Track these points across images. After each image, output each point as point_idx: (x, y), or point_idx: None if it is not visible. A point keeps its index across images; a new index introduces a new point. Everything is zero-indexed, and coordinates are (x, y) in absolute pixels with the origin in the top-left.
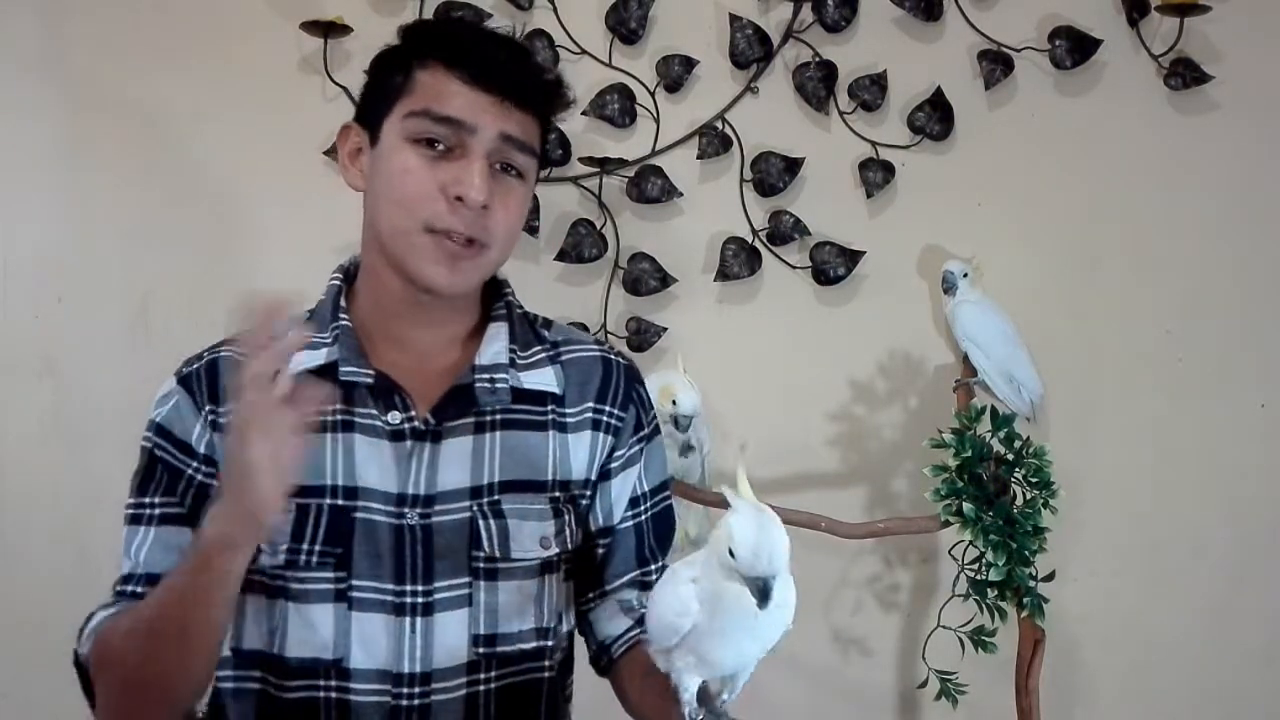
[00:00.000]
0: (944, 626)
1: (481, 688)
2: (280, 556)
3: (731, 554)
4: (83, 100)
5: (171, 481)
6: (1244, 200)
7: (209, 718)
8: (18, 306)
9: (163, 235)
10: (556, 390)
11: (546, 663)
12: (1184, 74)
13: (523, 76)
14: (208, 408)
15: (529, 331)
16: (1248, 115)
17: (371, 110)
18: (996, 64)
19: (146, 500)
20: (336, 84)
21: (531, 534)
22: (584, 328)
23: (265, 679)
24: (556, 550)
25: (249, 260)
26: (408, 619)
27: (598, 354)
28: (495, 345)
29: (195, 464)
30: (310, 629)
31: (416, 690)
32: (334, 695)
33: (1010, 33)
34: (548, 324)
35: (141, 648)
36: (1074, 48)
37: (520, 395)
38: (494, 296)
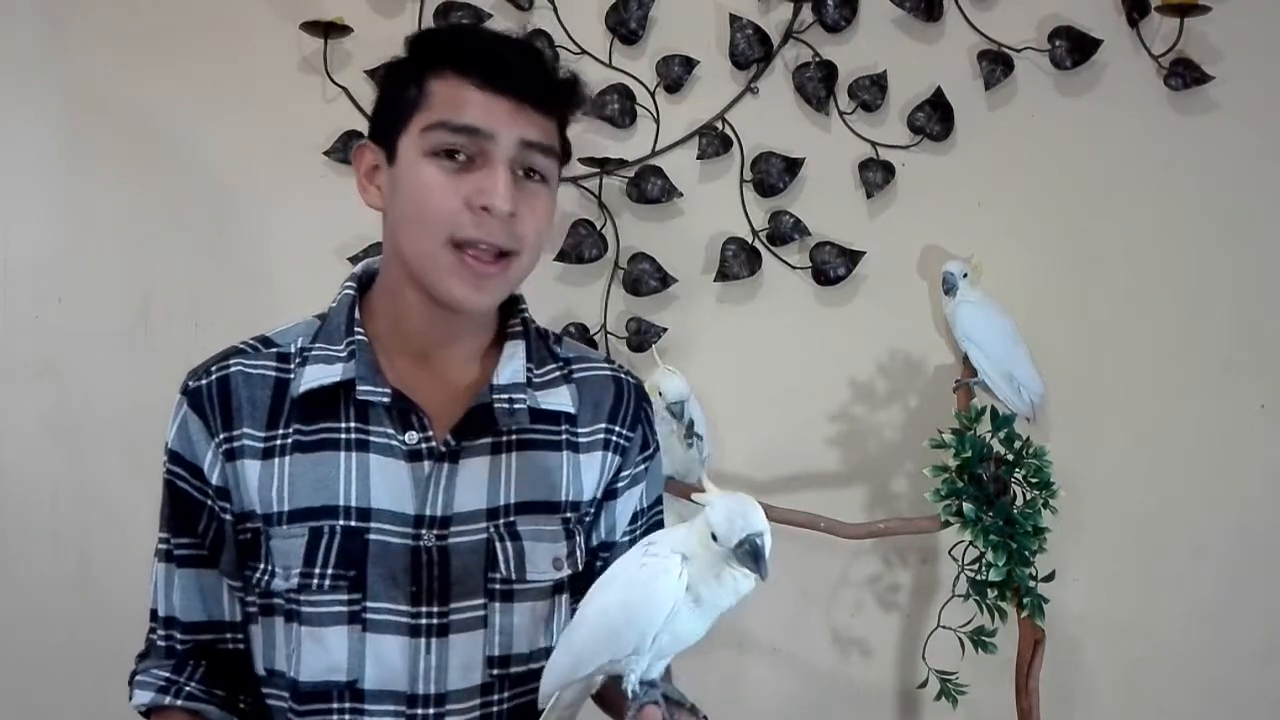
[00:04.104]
0: (944, 626)
1: (495, 709)
2: (293, 580)
3: (714, 537)
4: (83, 100)
5: (192, 516)
6: (1244, 200)
7: None
8: (18, 306)
9: (163, 235)
10: (572, 410)
11: None
12: (1184, 74)
13: (538, 78)
14: (220, 435)
15: (543, 349)
16: (1248, 115)
17: (386, 127)
18: (996, 64)
19: (171, 538)
20: (336, 84)
21: (545, 555)
22: (584, 329)
23: (286, 699)
24: (569, 571)
25: (249, 261)
26: (423, 640)
27: (609, 373)
28: (513, 364)
29: (210, 494)
30: (324, 651)
31: (431, 712)
32: (347, 718)
33: (1010, 33)
34: (559, 340)
35: None
36: (1074, 48)
37: (536, 415)
38: (509, 312)
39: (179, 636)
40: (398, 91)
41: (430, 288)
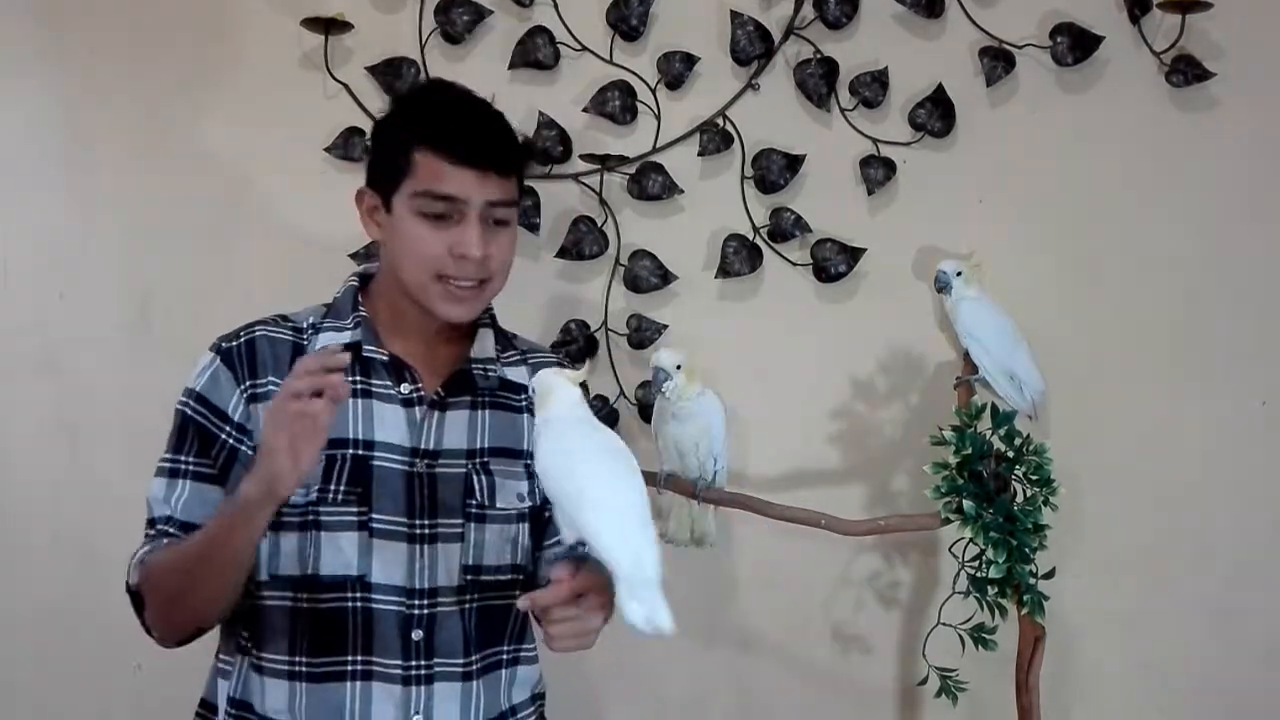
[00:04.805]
0: (944, 623)
1: (467, 606)
2: (313, 494)
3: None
4: (83, 98)
5: (205, 444)
6: (1245, 197)
7: (248, 629)
8: (19, 303)
9: (164, 232)
10: (528, 384)
11: (516, 592)
12: (1185, 71)
13: (499, 150)
14: (247, 382)
15: (505, 339)
16: (1249, 112)
17: (382, 182)
18: (998, 61)
19: (182, 458)
20: (337, 80)
21: (511, 490)
22: (584, 326)
23: (299, 597)
24: (529, 504)
25: (250, 257)
26: (417, 546)
27: (555, 360)
28: (485, 344)
29: (229, 429)
30: (339, 552)
31: (425, 602)
32: (359, 605)
33: (1012, 29)
34: (514, 335)
35: (182, 578)
36: (1075, 44)
37: (504, 384)
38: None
39: (173, 531)
40: (390, 156)
41: (424, 306)
